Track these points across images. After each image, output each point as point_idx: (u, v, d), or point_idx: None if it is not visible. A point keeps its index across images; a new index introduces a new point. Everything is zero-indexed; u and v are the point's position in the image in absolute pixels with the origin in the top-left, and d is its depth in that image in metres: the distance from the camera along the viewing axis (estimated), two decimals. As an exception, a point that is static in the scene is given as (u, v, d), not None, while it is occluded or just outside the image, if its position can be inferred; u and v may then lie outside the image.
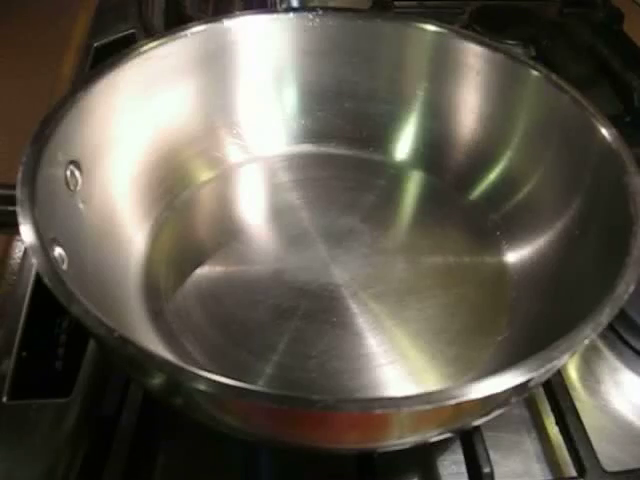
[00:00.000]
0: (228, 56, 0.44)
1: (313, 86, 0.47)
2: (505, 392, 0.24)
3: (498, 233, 0.42)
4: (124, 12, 0.62)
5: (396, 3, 0.66)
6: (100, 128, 0.37)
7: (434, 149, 0.46)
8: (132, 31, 0.59)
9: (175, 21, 0.60)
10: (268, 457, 0.34)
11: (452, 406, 0.23)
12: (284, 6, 0.58)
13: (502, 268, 0.40)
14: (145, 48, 0.40)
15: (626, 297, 0.28)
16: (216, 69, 0.44)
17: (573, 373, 0.39)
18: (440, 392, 0.24)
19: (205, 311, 0.37)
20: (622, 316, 0.39)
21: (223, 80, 0.45)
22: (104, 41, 0.59)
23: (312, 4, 0.62)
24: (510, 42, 0.64)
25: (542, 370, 0.25)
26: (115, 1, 0.65)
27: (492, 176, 0.44)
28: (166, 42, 0.41)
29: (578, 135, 0.38)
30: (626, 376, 0.39)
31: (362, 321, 0.37)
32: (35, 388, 0.34)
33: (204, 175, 0.45)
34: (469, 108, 0.45)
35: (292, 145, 0.47)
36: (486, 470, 0.30)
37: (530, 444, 0.35)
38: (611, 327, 0.41)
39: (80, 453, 0.31)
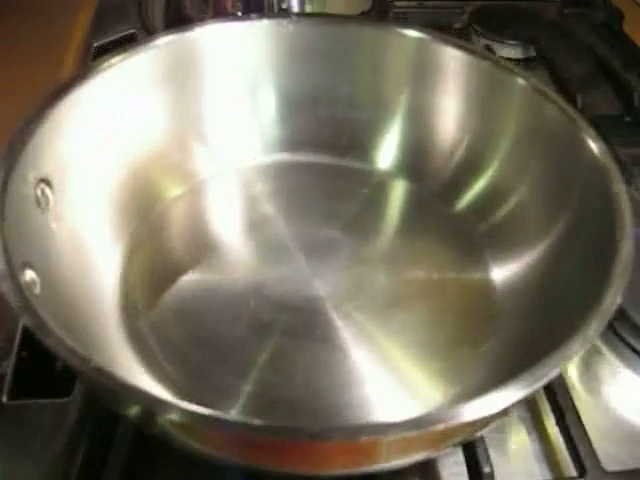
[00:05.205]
0: (199, 66, 0.43)
1: (289, 93, 0.46)
2: (494, 414, 0.24)
3: (483, 245, 0.41)
4: (124, 12, 0.62)
5: (396, 3, 0.66)
6: (69, 144, 0.36)
7: (418, 157, 0.45)
8: (132, 31, 0.59)
9: (175, 21, 0.60)
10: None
11: (440, 430, 0.23)
12: (284, 6, 0.57)
13: (487, 281, 0.40)
14: (113, 61, 0.39)
15: (613, 309, 0.27)
16: (187, 80, 0.43)
17: (573, 373, 0.39)
18: (428, 416, 0.23)
19: (183, 328, 0.37)
20: (622, 316, 0.39)
21: (194, 91, 0.44)
22: (104, 41, 0.59)
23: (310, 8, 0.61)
24: (510, 42, 0.64)
25: (531, 388, 0.24)
26: (115, 1, 0.65)
27: (478, 187, 0.43)
28: (135, 54, 0.40)
29: (565, 147, 0.37)
30: (626, 376, 0.39)
31: (346, 334, 0.36)
32: (35, 388, 0.34)
33: (178, 189, 0.44)
34: (452, 115, 0.44)
35: (268, 154, 0.46)
36: (486, 470, 0.30)
37: (530, 444, 0.35)
38: (611, 327, 0.41)
39: (80, 453, 0.31)
